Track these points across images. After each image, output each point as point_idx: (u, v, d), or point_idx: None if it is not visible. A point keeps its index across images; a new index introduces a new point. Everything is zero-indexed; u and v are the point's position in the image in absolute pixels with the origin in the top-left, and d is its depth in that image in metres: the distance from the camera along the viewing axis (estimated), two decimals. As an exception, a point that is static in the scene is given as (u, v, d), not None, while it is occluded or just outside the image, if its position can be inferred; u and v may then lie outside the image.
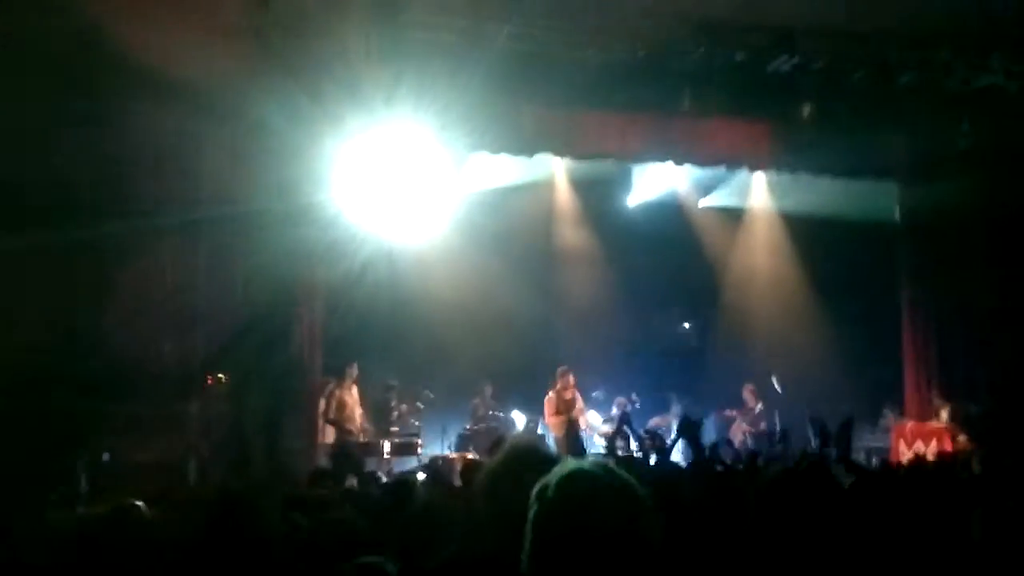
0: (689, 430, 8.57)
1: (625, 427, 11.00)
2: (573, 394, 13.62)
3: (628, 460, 8.03)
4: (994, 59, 12.68)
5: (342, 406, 12.71)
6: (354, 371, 12.93)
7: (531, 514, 2.05)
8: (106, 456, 9.58)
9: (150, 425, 9.87)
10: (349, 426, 12.68)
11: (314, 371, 12.31)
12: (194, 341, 10.56)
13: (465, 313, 14.51)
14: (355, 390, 12.96)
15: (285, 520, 4.24)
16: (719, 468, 7.66)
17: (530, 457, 2.87)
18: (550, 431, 13.55)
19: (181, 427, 10.25)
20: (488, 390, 14.35)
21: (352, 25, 10.33)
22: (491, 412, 14.25)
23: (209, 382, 10.57)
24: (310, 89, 10.44)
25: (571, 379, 13.61)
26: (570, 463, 2.10)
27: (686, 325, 16.91)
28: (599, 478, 2.04)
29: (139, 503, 4.52)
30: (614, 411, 14.26)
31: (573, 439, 13.21)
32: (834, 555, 3.10)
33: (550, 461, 2.86)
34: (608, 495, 2.01)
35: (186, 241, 10.54)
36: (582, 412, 13.74)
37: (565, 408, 13.51)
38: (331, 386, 12.71)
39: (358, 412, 12.88)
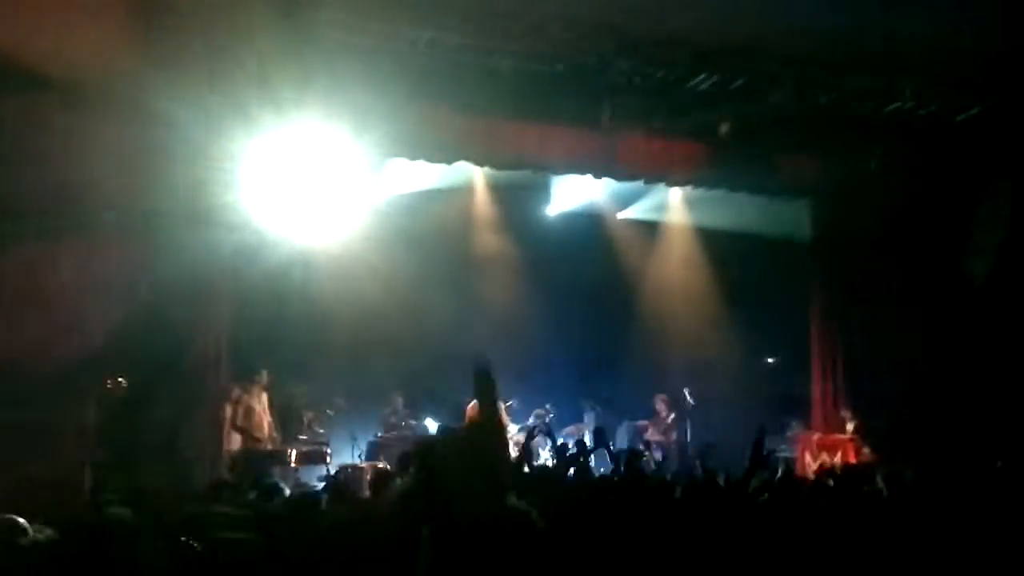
0: (602, 441, 8.79)
1: (546, 438, 11.04)
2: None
3: (545, 474, 8.02)
4: (904, 85, 12.98)
5: (249, 413, 12.46)
6: (263, 378, 12.69)
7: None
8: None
9: (41, 433, 9.48)
10: (257, 434, 12.44)
11: (219, 377, 12.02)
12: (91, 345, 10.18)
13: (379, 319, 14.37)
14: (264, 397, 12.72)
15: (175, 546, 4.07)
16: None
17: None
18: None
19: (76, 435, 9.87)
20: (399, 399, 14.21)
21: (260, 20, 10.05)
22: (403, 422, 14.10)
23: (108, 387, 10.21)
24: (217, 86, 10.16)
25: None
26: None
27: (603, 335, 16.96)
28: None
29: (20, 520, 4.32)
30: (531, 420, 14.25)
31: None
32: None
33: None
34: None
35: (82, 242, 10.14)
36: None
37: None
38: (237, 392, 12.44)
39: (266, 420, 12.65)
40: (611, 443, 9.72)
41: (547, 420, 14.31)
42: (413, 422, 14.29)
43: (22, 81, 9.32)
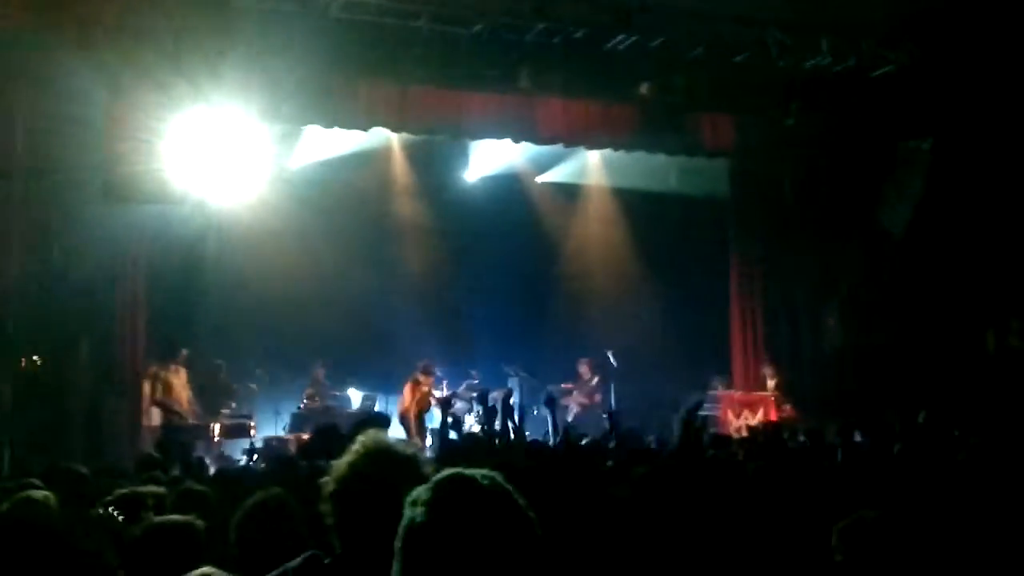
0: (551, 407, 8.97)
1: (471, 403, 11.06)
2: (430, 388, 13.56)
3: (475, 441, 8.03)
4: (823, 41, 13.12)
5: (168, 388, 12.22)
6: (182, 353, 12.44)
7: (402, 526, 1.83)
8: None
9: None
10: (177, 408, 12.18)
11: (137, 351, 11.77)
12: (4, 320, 9.86)
13: (298, 289, 14.18)
14: (183, 373, 12.46)
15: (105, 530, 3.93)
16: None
17: (385, 460, 2.70)
18: (405, 414, 13.39)
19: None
20: (320, 370, 14.05)
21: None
22: (326, 393, 13.98)
23: (22, 364, 9.89)
24: (132, 59, 9.84)
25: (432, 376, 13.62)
26: (450, 470, 1.88)
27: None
28: (485, 490, 1.83)
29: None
30: (462, 388, 14.29)
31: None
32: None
33: (407, 464, 2.71)
34: (495, 511, 1.80)
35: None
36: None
37: (423, 400, 13.50)
38: (154, 368, 12.17)
39: (185, 395, 12.40)
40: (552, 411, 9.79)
41: (475, 387, 14.37)
42: (336, 392, 14.16)
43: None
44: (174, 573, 3.31)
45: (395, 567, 1.81)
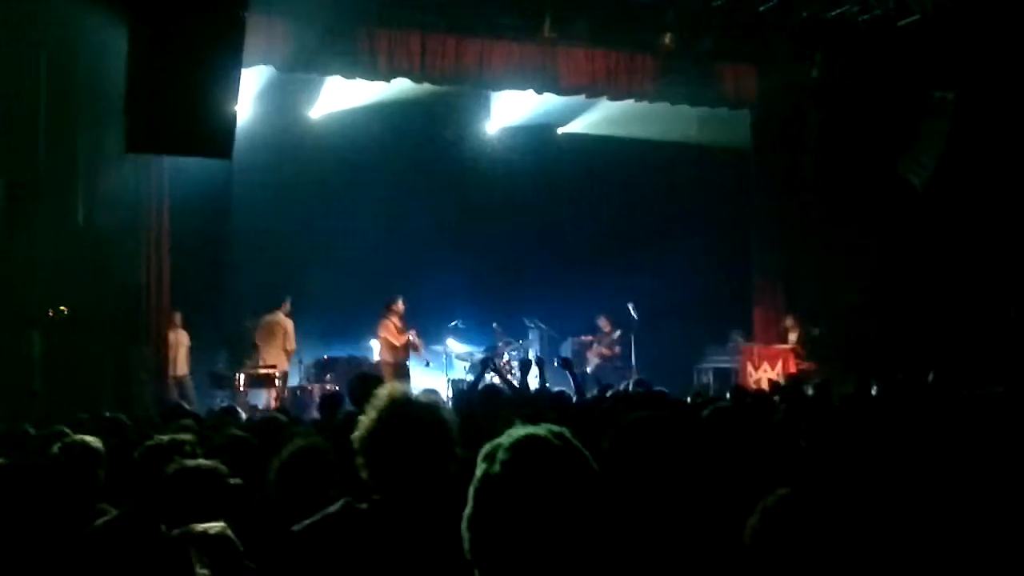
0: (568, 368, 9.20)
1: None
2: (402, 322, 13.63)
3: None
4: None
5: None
6: (177, 317, 12.57)
7: (477, 478, 1.92)
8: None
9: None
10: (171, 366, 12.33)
11: (163, 300, 11.90)
12: (32, 271, 10.00)
13: (319, 240, 14.30)
14: (181, 332, 12.63)
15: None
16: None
17: (410, 412, 2.78)
18: (385, 354, 13.47)
19: (21, 364, 9.70)
20: None
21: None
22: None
23: (50, 314, 10.01)
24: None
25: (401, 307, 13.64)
26: (523, 428, 1.96)
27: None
28: (558, 450, 1.92)
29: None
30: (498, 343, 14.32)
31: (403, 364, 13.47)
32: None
33: (432, 414, 2.79)
34: (566, 469, 1.90)
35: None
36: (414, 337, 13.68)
37: (400, 335, 13.54)
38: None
39: (182, 352, 12.60)
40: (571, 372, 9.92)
41: (502, 340, 14.51)
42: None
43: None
44: (200, 517, 3.41)
45: (468, 511, 1.91)
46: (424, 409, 2.81)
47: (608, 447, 3.08)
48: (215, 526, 3.37)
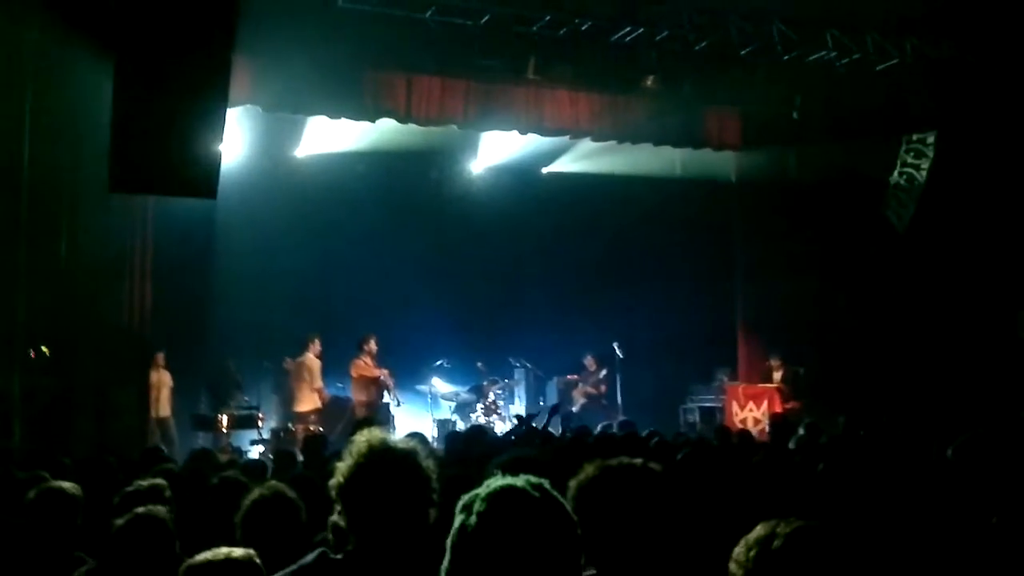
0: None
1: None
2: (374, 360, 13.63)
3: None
4: (828, 35, 13.14)
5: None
6: (160, 358, 12.51)
7: (454, 531, 1.91)
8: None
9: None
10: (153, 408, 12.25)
11: (144, 341, 11.82)
12: (13, 311, 9.92)
13: (303, 281, 14.26)
14: (164, 372, 12.59)
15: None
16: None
17: (388, 460, 2.76)
18: (359, 393, 13.42)
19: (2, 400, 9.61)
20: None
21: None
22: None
23: (31, 355, 9.93)
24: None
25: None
26: (501, 479, 1.95)
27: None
28: (535, 502, 1.90)
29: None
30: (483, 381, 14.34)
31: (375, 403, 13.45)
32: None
33: (409, 461, 2.76)
34: (544, 522, 1.88)
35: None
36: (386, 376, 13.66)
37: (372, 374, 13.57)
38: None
39: (164, 393, 12.55)
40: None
41: (487, 379, 14.49)
42: (340, 384, 14.15)
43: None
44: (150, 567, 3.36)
45: (445, 564, 1.90)
46: (402, 456, 2.79)
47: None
48: (239, 551, 3.30)
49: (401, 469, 2.76)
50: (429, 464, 2.83)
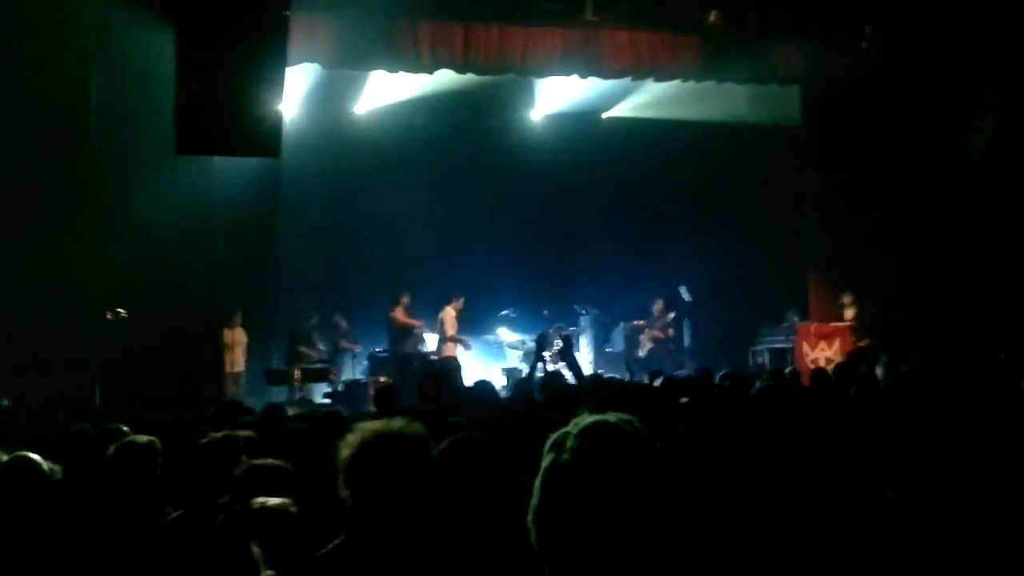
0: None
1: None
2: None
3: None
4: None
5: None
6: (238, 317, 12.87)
7: (544, 469, 1.88)
8: (6, 402, 9.16)
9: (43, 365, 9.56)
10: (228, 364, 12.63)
11: (216, 300, 12.04)
12: (87, 275, 10.18)
13: (369, 235, 14.37)
14: (239, 331, 12.93)
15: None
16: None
17: (392, 445, 2.82)
18: (446, 349, 13.55)
19: (79, 365, 9.88)
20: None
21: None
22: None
23: (108, 317, 10.15)
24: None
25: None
26: (591, 416, 1.92)
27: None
28: (628, 437, 1.88)
29: (34, 456, 4.27)
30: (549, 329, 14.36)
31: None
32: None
33: (414, 446, 2.80)
34: (638, 455, 1.86)
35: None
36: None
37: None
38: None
39: (238, 351, 12.87)
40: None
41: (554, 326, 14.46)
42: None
43: None
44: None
45: (534, 502, 1.87)
46: (405, 440, 2.82)
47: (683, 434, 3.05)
48: (275, 500, 3.38)
49: (400, 450, 2.79)
50: (428, 443, 2.87)
